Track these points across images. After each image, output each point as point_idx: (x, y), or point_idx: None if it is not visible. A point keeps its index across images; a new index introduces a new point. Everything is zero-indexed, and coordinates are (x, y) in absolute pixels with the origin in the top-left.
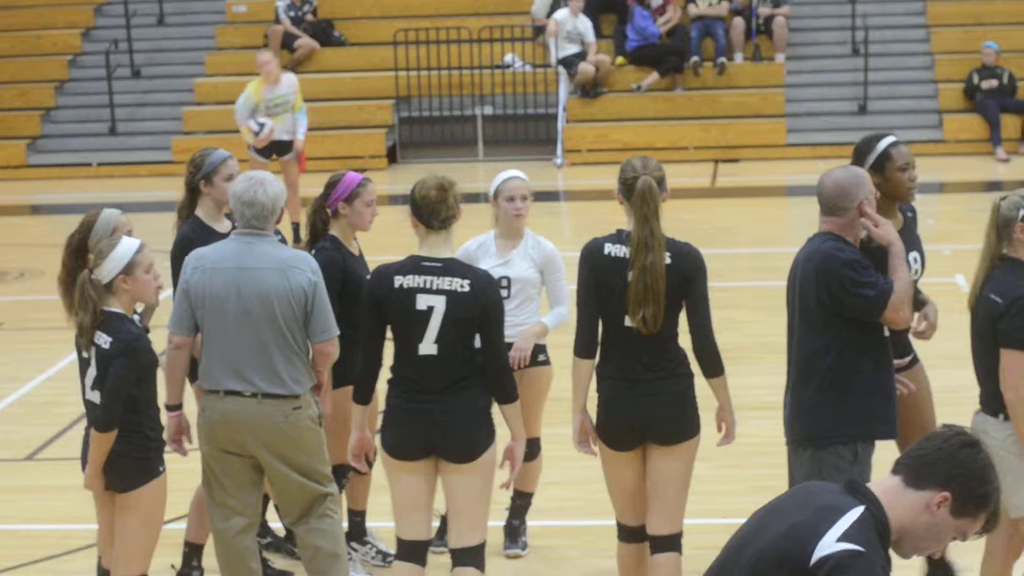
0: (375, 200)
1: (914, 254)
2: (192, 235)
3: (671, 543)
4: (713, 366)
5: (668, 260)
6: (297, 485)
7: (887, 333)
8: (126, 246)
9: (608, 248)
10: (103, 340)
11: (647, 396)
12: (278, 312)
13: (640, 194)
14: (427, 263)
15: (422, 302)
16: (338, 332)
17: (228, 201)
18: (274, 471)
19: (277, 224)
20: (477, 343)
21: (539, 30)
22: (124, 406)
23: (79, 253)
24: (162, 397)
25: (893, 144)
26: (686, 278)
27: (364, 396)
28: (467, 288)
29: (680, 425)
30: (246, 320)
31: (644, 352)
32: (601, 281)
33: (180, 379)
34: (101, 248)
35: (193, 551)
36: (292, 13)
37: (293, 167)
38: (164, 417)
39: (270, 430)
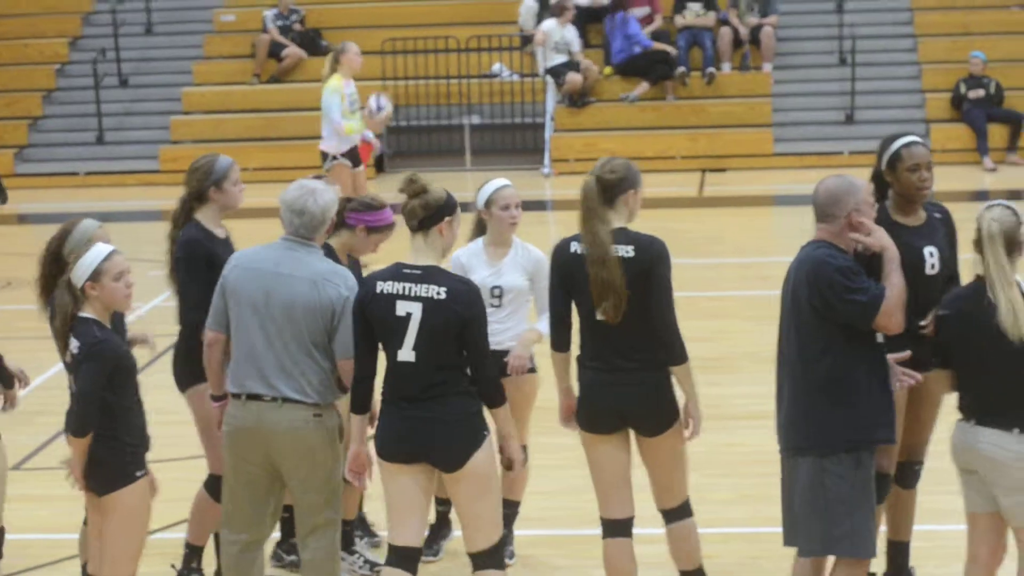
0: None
1: (930, 248)
2: (201, 236)
3: (681, 512)
4: (673, 354)
5: (632, 253)
6: (309, 505)
7: (881, 339)
8: (94, 253)
9: (573, 246)
10: (74, 345)
11: (625, 386)
12: (302, 322)
13: (581, 194)
14: (407, 270)
15: (401, 308)
16: (349, 354)
17: (235, 206)
18: (292, 484)
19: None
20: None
21: (527, 40)
22: (100, 410)
23: (56, 258)
24: (149, 403)
25: (907, 144)
26: (645, 269)
27: (359, 405)
28: (443, 296)
29: (659, 415)
30: (271, 325)
31: (619, 343)
32: (569, 277)
33: (217, 372)
34: (76, 254)
35: (193, 553)
36: (280, 22)
37: (362, 176)
38: (176, 419)
39: (290, 435)
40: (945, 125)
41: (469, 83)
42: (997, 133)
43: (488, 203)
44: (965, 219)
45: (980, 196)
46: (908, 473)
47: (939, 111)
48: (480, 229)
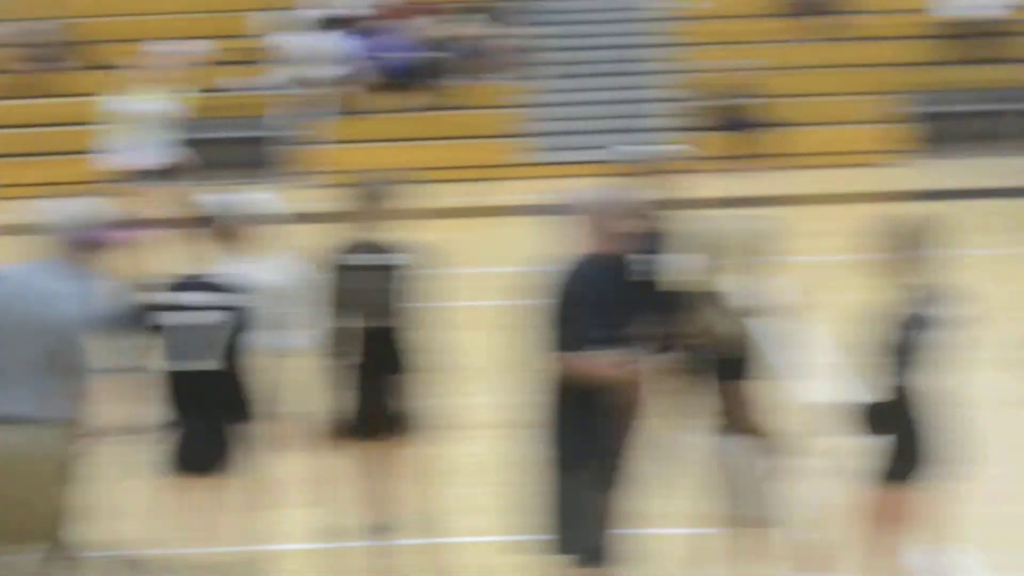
0: None
1: (654, 256)
2: None
3: (395, 525)
4: (415, 361)
5: (390, 261)
6: (23, 522)
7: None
8: None
9: (337, 256)
10: None
11: (381, 390)
12: (35, 339)
13: (343, 204)
14: (193, 279)
15: (176, 317)
16: (89, 373)
17: None
18: (11, 501)
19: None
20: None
21: (280, 52)
22: None
23: None
24: None
25: (630, 155)
26: (405, 277)
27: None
28: (220, 303)
29: (405, 422)
30: (4, 341)
31: (380, 348)
32: (332, 286)
33: None
34: None
35: None
36: (43, 35)
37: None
38: None
39: (17, 450)
40: (702, 134)
41: (215, 96)
42: (753, 141)
43: (234, 217)
44: (710, 227)
45: (734, 204)
46: None
47: (696, 119)
48: (228, 242)
